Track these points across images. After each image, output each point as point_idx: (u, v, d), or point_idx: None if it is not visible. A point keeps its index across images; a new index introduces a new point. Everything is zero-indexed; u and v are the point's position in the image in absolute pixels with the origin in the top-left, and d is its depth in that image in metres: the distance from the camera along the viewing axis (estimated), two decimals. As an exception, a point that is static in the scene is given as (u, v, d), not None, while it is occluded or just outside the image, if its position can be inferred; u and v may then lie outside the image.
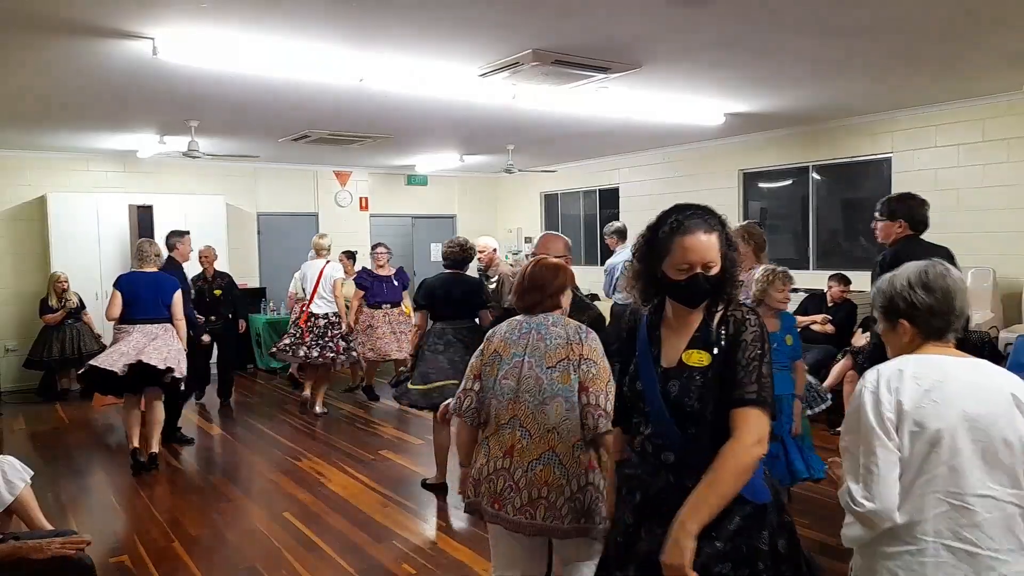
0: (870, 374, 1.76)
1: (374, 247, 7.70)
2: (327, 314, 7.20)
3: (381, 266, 7.52)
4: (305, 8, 3.78)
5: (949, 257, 3.42)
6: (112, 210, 8.59)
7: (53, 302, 8.07)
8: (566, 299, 2.63)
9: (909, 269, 1.82)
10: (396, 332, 7.36)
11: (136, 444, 5.40)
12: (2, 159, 8.48)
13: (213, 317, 7.25)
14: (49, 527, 3.37)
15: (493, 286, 5.77)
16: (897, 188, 7.06)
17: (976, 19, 4.19)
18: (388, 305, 7.41)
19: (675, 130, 7.74)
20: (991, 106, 6.33)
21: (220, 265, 8.69)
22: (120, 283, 5.48)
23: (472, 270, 5.30)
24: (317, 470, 5.46)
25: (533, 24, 4.05)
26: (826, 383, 6.18)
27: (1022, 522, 1.66)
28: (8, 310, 8.57)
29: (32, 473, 3.41)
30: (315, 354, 7.09)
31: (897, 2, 3.88)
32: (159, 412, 5.53)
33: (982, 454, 1.65)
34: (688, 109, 6.58)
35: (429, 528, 4.38)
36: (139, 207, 8.29)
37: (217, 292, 7.34)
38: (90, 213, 8.57)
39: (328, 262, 7.31)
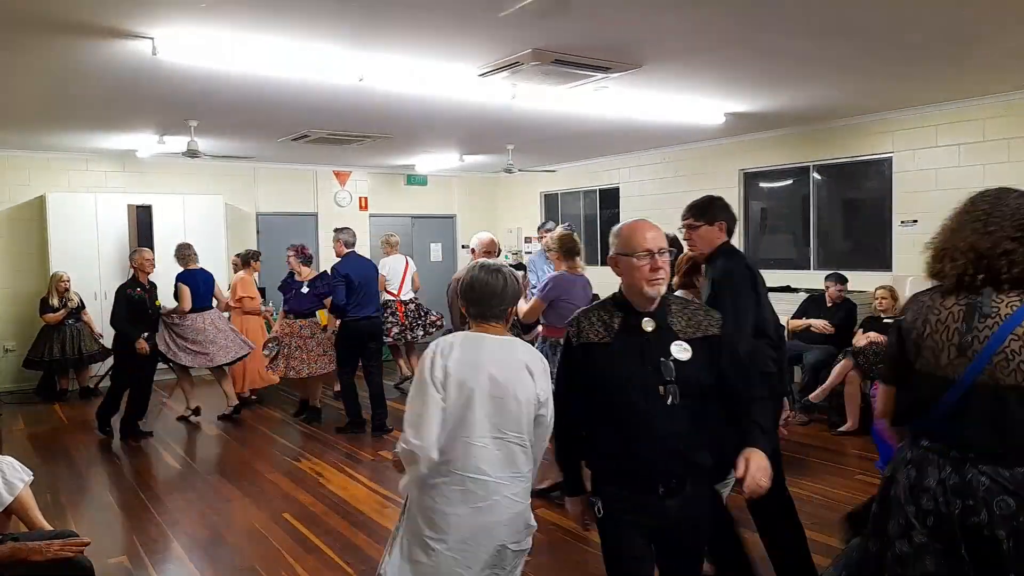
0: (433, 343, 2.24)
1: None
2: (413, 299, 8.01)
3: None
4: (305, 7, 3.77)
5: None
6: (111, 210, 8.58)
7: (54, 301, 8.05)
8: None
9: (472, 269, 2.33)
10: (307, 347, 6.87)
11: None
12: (1, 159, 8.46)
13: (147, 333, 6.39)
14: (48, 528, 3.36)
15: None
16: (898, 188, 7.07)
17: (977, 18, 4.18)
18: (293, 316, 6.90)
19: (675, 130, 7.73)
20: (992, 106, 6.32)
21: (218, 266, 8.72)
22: (187, 280, 6.77)
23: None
24: (316, 471, 5.45)
25: (533, 23, 4.04)
26: (826, 383, 6.19)
27: (522, 455, 2.23)
28: (7, 310, 8.55)
29: (32, 474, 3.40)
30: (420, 334, 7.88)
31: (898, 2, 3.87)
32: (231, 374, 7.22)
33: (499, 406, 2.18)
34: (688, 109, 6.57)
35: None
36: (138, 207, 8.27)
37: (158, 303, 6.61)
38: (89, 213, 8.56)
39: (406, 257, 8.14)
